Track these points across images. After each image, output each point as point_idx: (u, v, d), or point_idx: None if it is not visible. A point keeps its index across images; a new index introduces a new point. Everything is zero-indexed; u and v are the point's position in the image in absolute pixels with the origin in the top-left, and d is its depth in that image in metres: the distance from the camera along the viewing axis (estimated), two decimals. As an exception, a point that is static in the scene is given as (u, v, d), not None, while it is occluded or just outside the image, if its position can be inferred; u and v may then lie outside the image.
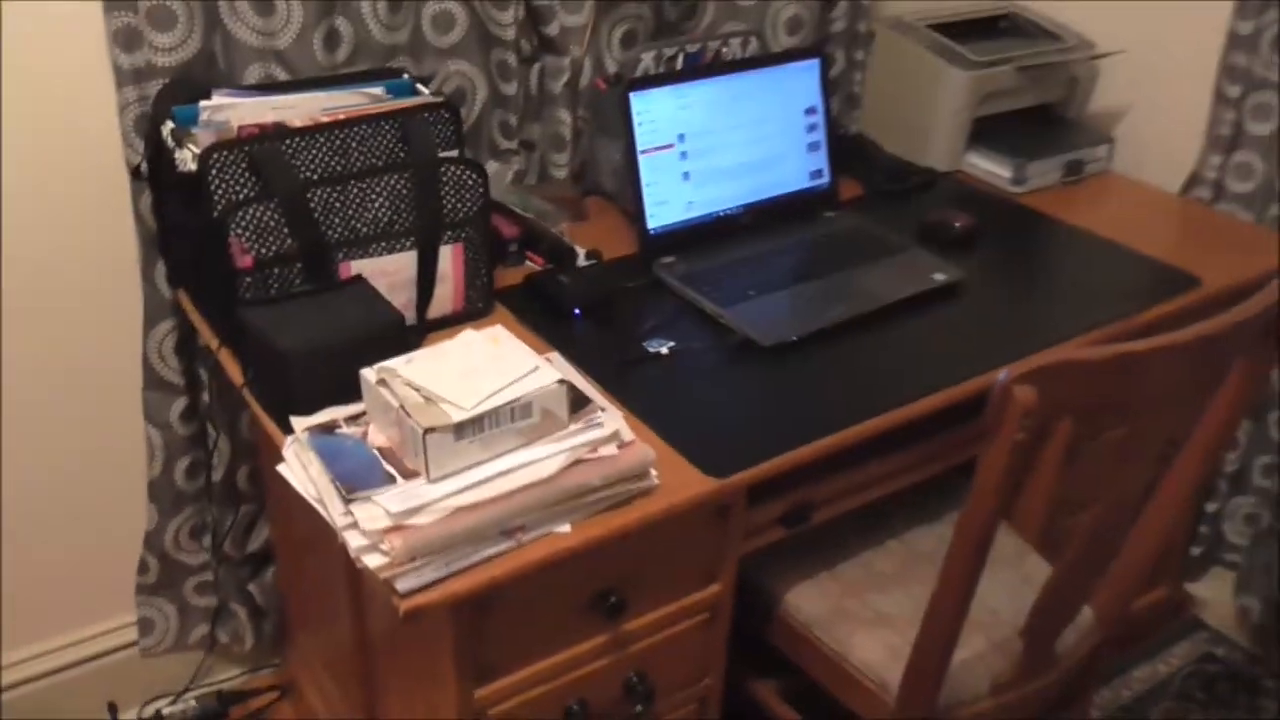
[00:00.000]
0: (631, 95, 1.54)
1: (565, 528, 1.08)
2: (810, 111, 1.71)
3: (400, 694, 1.34)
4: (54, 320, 1.53)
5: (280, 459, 1.14)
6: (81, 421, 1.60)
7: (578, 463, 1.08)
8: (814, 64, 1.70)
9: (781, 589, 1.43)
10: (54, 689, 1.72)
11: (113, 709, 1.76)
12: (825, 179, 1.74)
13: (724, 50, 1.79)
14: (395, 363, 1.10)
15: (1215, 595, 2.07)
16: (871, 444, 1.31)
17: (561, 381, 1.10)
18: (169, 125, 1.33)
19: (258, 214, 1.25)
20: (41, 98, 1.41)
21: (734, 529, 1.26)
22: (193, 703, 1.79)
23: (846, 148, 1.88)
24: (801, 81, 1.70)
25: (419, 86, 1.46)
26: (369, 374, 1.09)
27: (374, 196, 1.33)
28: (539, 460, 1.07)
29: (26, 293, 1.50)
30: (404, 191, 1.34)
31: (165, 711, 1.79)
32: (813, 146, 1.72)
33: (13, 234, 1.46)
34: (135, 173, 1.45)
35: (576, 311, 1.45)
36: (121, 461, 1.64)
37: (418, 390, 1.05)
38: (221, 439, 1.61)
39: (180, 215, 1.36)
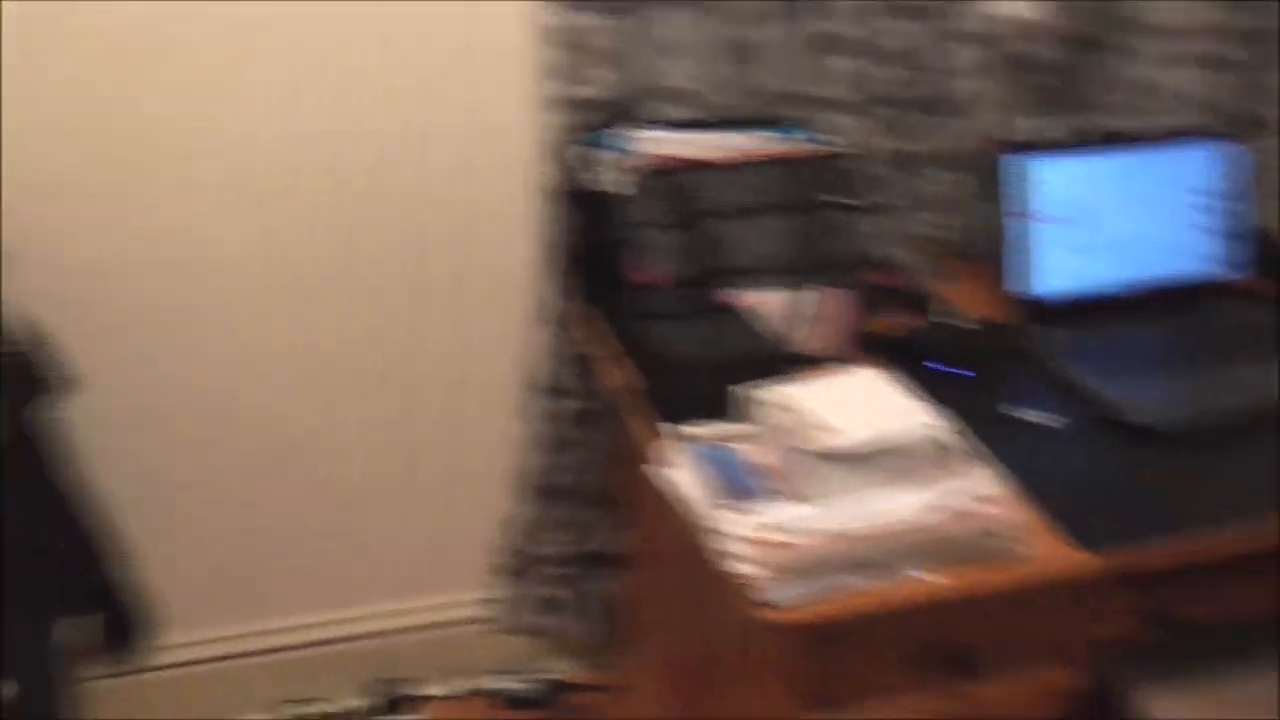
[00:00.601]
0: (1021, 161, 1.54)
1: (927, 575, 1.09)
2: (1209, 196, 1.63)
3: (730, 711, 1.38)
4: (457, 316, 1.70)
5: (659, 465, 1.22)
6: (467, 410, 1.77)
7: (948, 513, 1.09)
8: (1218, 148, 1.62)
9: (1137, 693, 1.35)
10: (404, 646, 1.90)
11: (463, 673, 1.92)
12: (1223, 268, 1.65)
13: (1123, 125, 1.73)
14: (787, 386, 1.15)
15: None
16: (1256, 555, 1.22)
17: (941, 430, 1.11)
18: (591, 150, 1.47)
19: (665, 237, 1.36)
20: (466, 117, 1.59)
21: (1096, 615, 1.21)
22: (529, 684, 1.93)
23: (1251, 240, 1.76)
24: (1202, 165, 1.62)
25: (812, 135, 1.52)
26: (762, 393, 1.15)
27: (765, 233, 1.40)
28: (912, 503, 1.08)
29: (440, 288, 1.68)
30: (792, 232, 1.40)
31: (506, 686, 1.93)
32: (1210, 233, 1.64)
33: (431, 234, 1.64)
34: (551, 191, 1.60)
35: (943, 368, 1.45)
36: (497, 451, 1.79)
37: (807, 415, 1.10)
38: (587, 442, 1.73)
39: (592, 232, 1.49)
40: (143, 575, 1.67)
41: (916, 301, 1.58)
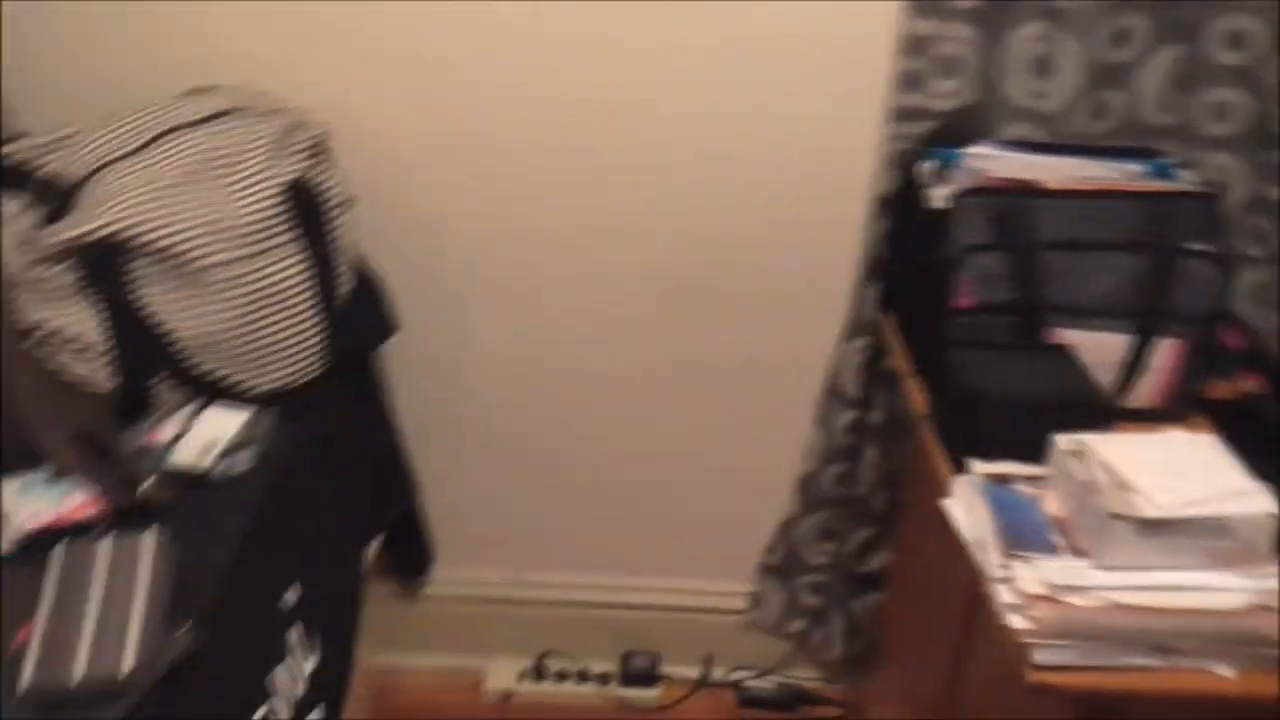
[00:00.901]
0: None
1: (1226, 670, 0.98)
2: None
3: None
4: (771, 315, 1.70)
5: (939, 494, 1.17)
6: (765, 407, 1.77)
7: (1264, 608, 0.97)
8: None
9: None
10: (659, 623, 1.94)
11: (708, 661, 1.95)
12: None
13: None
14: (1093, 438, 1.07)
15: None
16: None
17: (1270, 513, 0.99)
18: (928, 164, 1.42)
19: (989, 262, 1.29)
20: (811, 119, 1.57)
21: None
22: (771, 685, 1.92)
23: None
24: None
25: (1178, 172, 1.40)
26: (1063, 441, 1.08)
27: (1104, 272, 1.30)
28: (1221, 589, 0.98)
29: (760, 286, 1.67)
30: (1137, 274, 1.30)
31: (747, 682, 1.93)
32: None
33: (759, 231, 1.64)
34: (880, 201, 1.57)
35: (1288, 447, 1.30)
36: (782, 451, 1.79)
37: (1111, 472, 1.01)
38: (875, 459, 1.69)
39: (914, 247, 1.45)
40: (430, 510, 1.81)
41: (1268, 367, 1.42)
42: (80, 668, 0.96)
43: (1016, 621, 0.97)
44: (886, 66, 1.50)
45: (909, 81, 1.50)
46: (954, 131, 1.49)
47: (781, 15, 1.50)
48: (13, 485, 1.17)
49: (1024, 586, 0.98)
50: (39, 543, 1.12)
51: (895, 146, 1.53)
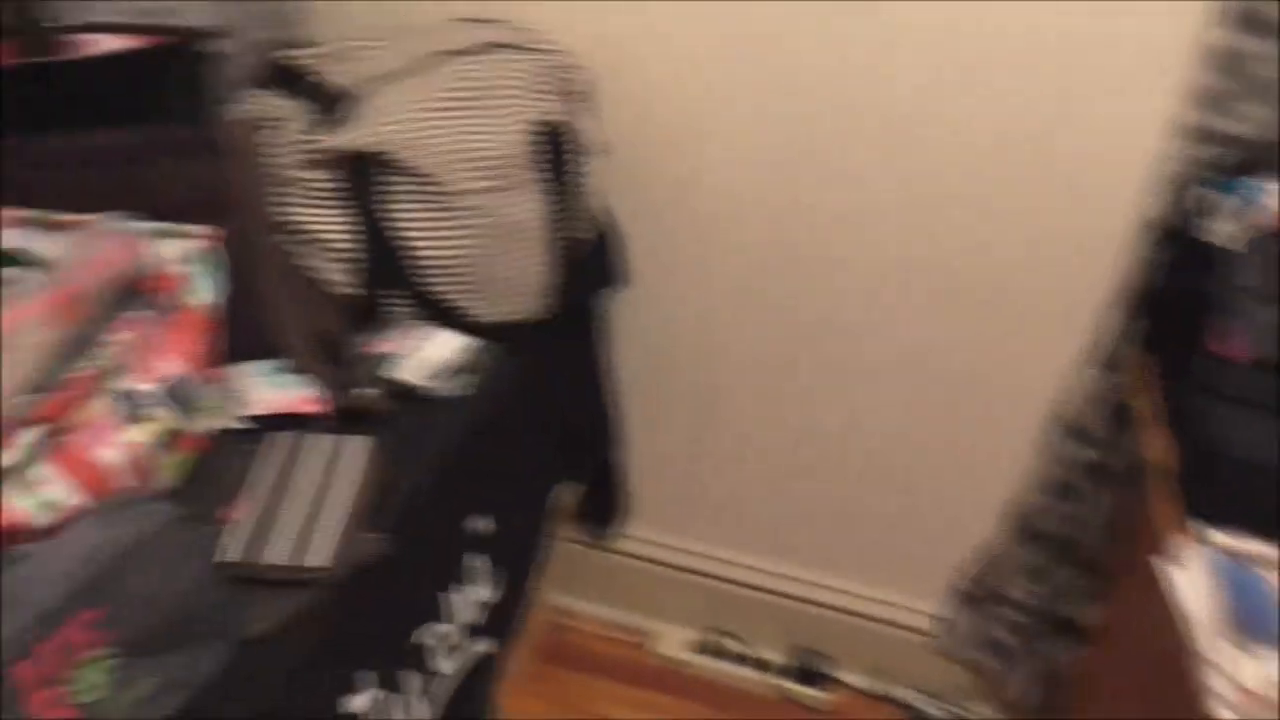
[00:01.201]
0: None
1: None
2: None
3: None
4: (1008, 329, 1.60)
5: (1170, 561, 1.06)
6: (985, 427, 1.67)
7: None
8: None
9: None
10: (838, 624, 1.89)
11: (878, 673, 1.90)
12: None
13: None
14: (1357, 531, 0.95)
15: None
16: None
17: None
18: (1214, 194, 1.29)
19: (1265, 311, 1.16)
20: (1086, 128, 1.44)
21: None
22: (942, 713, 1.85)
23: None
24: None
25: None
26: (1320, 528, 0.96)
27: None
28: None
29: (1002, 298, 1.58)
30: None
31: (918, 705, 1.87)
32: None
33: (1011, 239, 1.54)
34: (1150, 226, 1.44)
35: None
36: (1000, 477, 1.69)
37: (1374, 574, 0.89)
38: (1104, 503, 1.57)
39: (1186, 283, 1.32)
40: (629, 464, 1.82)
41: None
42: (273, 553, 1.02)
43: (1226, 715, 0.88)
44: (1184, 81, 1.37)
45: (1210, 101, 1.36)
46: (1253, 163, 1.34)
47: (1075, 15, 1.39)
48: (248, 369, 1.25)
49: (1242, 679, 0.88)
50: (260, 427, 1.18)
51: (1179, 169, 1.40)
